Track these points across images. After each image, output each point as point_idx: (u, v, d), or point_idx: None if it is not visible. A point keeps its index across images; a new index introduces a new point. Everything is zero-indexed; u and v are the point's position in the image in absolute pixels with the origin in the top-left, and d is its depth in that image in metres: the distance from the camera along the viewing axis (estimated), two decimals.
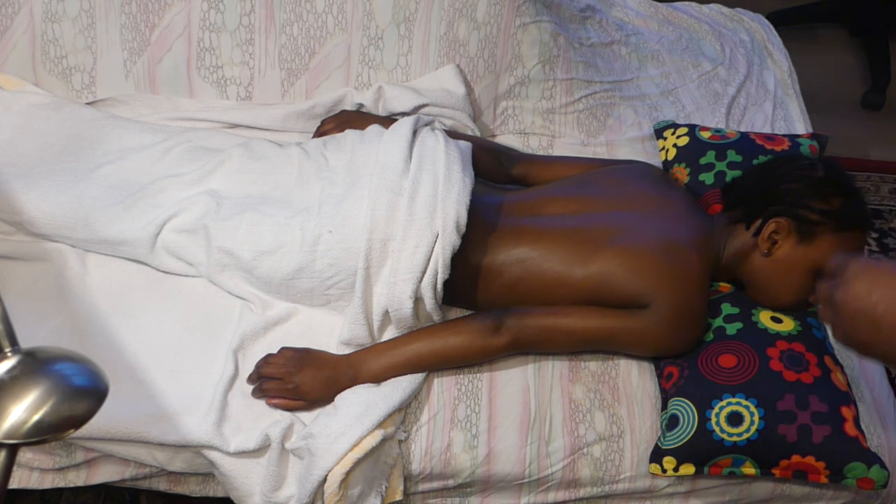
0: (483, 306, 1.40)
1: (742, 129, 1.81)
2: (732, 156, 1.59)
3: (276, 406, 1.30)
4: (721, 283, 1.47)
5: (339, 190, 1.38)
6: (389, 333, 1.38)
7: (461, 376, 1.38)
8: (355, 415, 1.25)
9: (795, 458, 1.28)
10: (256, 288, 1.38)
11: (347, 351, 1.36)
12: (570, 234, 1.39)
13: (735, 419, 1.28)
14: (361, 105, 1.67)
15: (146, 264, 1.43)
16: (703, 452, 1.29)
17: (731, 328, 1.37)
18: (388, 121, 1.57)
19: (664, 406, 1.37)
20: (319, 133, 1.61)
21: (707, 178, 1.58)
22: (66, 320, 1.35)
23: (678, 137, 1.66)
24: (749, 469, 1.30)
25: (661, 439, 1.33)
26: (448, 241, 1.30)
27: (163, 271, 1.43)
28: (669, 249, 1.35)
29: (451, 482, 1.35)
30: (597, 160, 1.65)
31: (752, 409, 1.28)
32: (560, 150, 1.75)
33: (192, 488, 1.39)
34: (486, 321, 1.34)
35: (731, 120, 1.85)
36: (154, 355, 1.33)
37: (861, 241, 1.38)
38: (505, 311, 1.35)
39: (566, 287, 1.36)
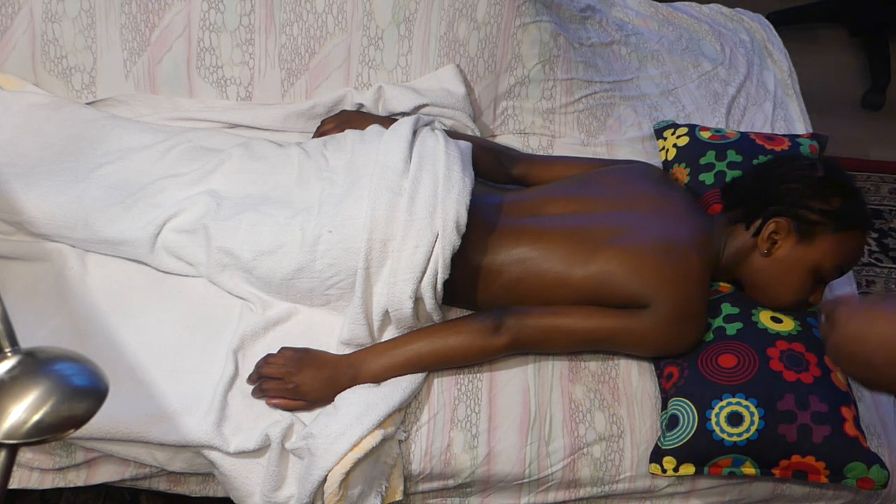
0: (483, 306, 1.40)
1: (742, 129, 1.81)
2: (732, 156, 1.59)
3: (276, 406, 1.30)
4: (721, 283, 1.47)
5: (339, 190, 1.38)
6: (389, 333, 1.38)
7: (461, 376, 1.38)
8: (355, 415, 1.25)
9: (795, 458, 1.28)
10: (256, 288, 1.38)
11: (347, 351, 1.36)
12: (570, 234, 1.39)
13: (735, 419, 1.28)
14: (361, 105, 1.67)
15: (146, 264, 1.43)
16: (703, 452, 1.29)
17: (731, 328, 1.37)
18: (388, 121, 1.57)
19: (664, 406, 1.37)
20: (319, 133, 1.61)
21: (707, 178, 1.58)
22: (66, 320, 1.35)
23: (678, 137, 1.66)
24: (749, 469, 1.30)
25: (661, 439, 1.33)
26: (448, 241, 1.30)
27: (163, 271, 1.43)
28: (669, 249, 1.35)
29: (451, 482, 1.35)
30: (597, 160, 1.65)
31: (752, 409, 1.28)
32: (560, 150, 1.75)
33: (192, 488, 1.39)
34: (486, 321, 1.34)
35: (731, 120, 1.85)
36: (154, 355, 1.33)
37: (861, 241, 1.38)
38: (505, 311, 1.35)
39: (566, 287, 1.36)
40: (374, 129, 1.49)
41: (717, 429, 1.28)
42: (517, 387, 1.38)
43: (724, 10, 2.12)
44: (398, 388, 1.31)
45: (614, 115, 1.81)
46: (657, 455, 1.32)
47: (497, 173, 1.57)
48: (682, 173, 1.62)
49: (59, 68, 1.63)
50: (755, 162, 1.56)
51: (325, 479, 1.22)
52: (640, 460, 1.36)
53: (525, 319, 1.34)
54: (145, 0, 1.61)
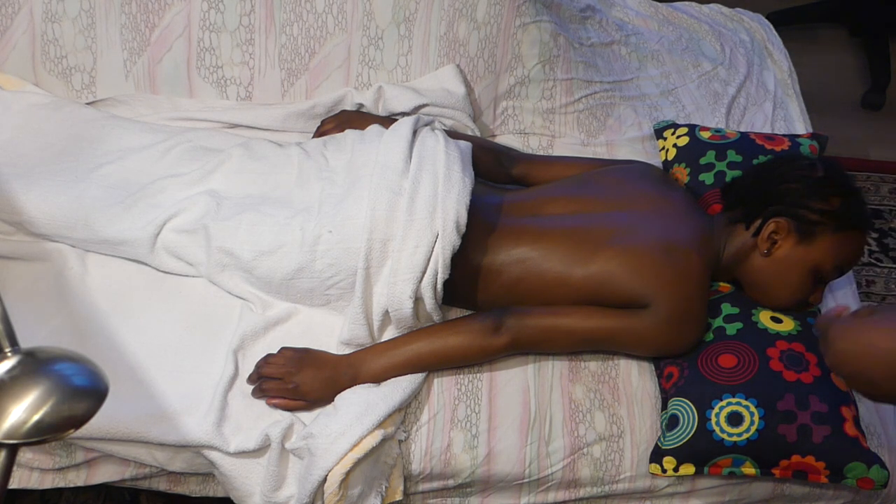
0: (483, 306, 1.40)
1: (742, 129, 1.81)
2: (732, 156, 1.59)
3: (276, 406, 1.30)
4: (721, 283, 1.47)
5: (339, 190, 1.38)
6: (389, 333, 1.38)
7: (461, 376, 1.38)
8: (355, 415, 1.25)
9: (795, 458, 1.28)
10: (256, 288, 1.38)
11: (347, 351, 1.36)
12: (570, 234, 1.39)
13: (735, 419, 1.28)
14: (361, 105, 1.67)
15: (146, 264, 1.43)
16: (703, 452, 1.29)
17: (731, 328, 1.37)
18: (388, 121, 1.57)
19: (664, 406, 1.37)
20: (319, 133, 1.61)
21: (707, 178, 1.58)
22: (66, 320, 1.35)
23: (678, 137, 1.66)
24: (749, 469, 1.30)
25: (661, 439, 1.33)
26: (448, 241, 1.30)
27: (163, 271, 1.43)
28: (669, 249, 1.35)
29: (451, 482, 1.35)
30: (597, 160, 1.65)
31: (752, 409, 1.28)
32: (560, 150, 1.75)
33: (192, 488, 1.39)
34: (486, 321, 1.34)
35: (731, 120, 1.85)
36: (154, 355, 1.33)
37: (861, 241, 1.39)
38: (505, 311, 1.35)
39: (566, 287, 1.36)
40: (374, 129, 1.49)
41: (717, 429, 1.28)
42: (517, 387, 1.38)
43: (724, 10, 2.12)
44: (398, 388, 1.31)
45: (614, 115, 1.81)
46: (657, 455, 1.32)
47: (497, 173, 1.57)
48: (682, 173, 1.62)
49: (59, 68, 1.63)
50: (755, 162, 1.56)
51: (325, 479, 1.22)
52: (640, 460, 1.36)
53: (525, 319, 1.34)
54: (145, 0, 1.61)
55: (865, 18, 2.88)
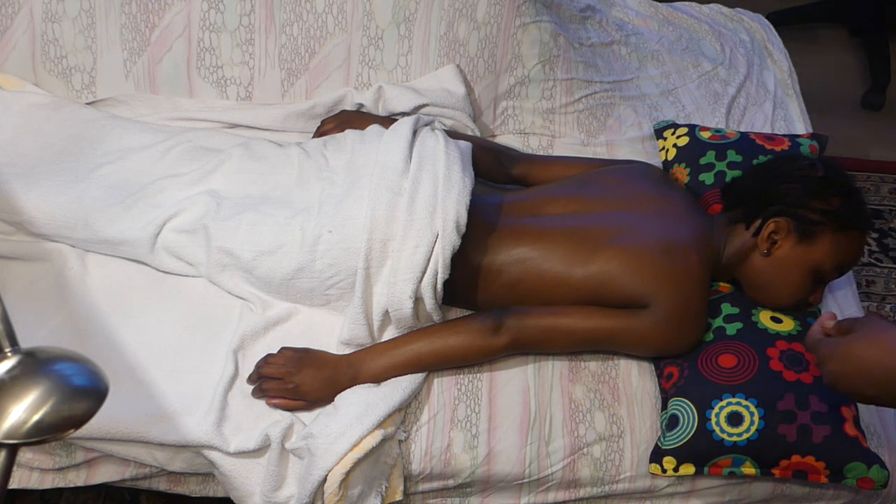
0: (483, 306, 1.40)
1: (742, 129, 1.81)
2: (732, 156, 1.59)
3: (276, 406, 1.30)
4: (721, 283, 1.47)
5: (339, 190, 1.38)
6: (389, 333, 1.38)
7: (461, 376, 1.38)
8: (355, 415, 1.25)
9: (795, 458, 1.28)
10: (256, 288, 1.38)
11: (347, 351, 1.36)
12: (570, 234, 1.39)
13: (735, 419, 1.28)
14: (361, 105, 1.67)
15: (146, 264, 1.43)
16: (703, 452, 1.29)
17: (731, 328, 1.37)
18: (388, 121, 1.57)
19: (664, 406, 1.37)
20: (319, 133, 1.61)
21: (707, 178, 1.58)
22: (66, 320, 1.35)
23: (678, 137, 1.66)
24: (749, 469, 1.30)
25: (661, 439, 1.33)
26: (448, 241, 1.30)
27: (163, 271, 1.43)
28: (669, 249, 1.35)
29: (451, 482, 1.35)
30: (597, 160, 1.65)
31: (752, 409, 1.28)
32: (560, 150, 1.75)
33: (192, 488, 1.39)
34: (486, 321, 1.34)
35: (731, 120, 1.85)
36: (154, 355, 1.33)
37: (861, 241, 1.39)
38: (505, 311, 1.35)
39: (566, 287, 1.36)
40: (374, 129, 1.49)
41: (717, 429, 1.28)
42: (517, 387, 1.38)
43: (724, 10, 2.12)
44: (398, 388, 1.31)
45: (614, 115, 1.81)
46: (657, 455, 1.32)
47: (497, 173, 1.57)
48: (682, 173, 1.62)
49: (59, 68, 1.64)
50: (755, 162, 1.56)
51: (325, 479, 1.22)
52: (640, 460, 1.36)
53: (525, 319, 1.34)
54: (145, 0, 1.61)
55: (865, 18, 2.88)
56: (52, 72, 1.64)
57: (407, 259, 1.30)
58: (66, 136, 1.51)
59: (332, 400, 1.31)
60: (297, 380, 1.29)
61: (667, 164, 1.67)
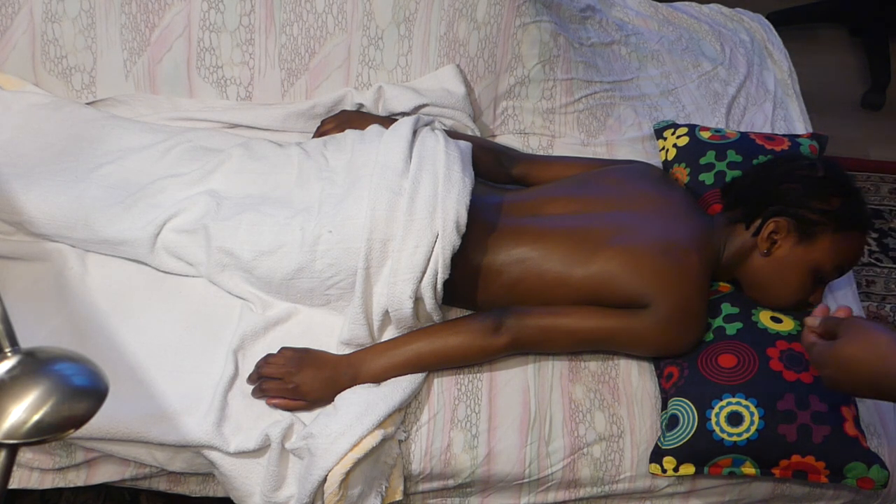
0: (483, 306, 1.40)
1: (742, 129, 1.81)
2: (732, 156, 1.59)
3: (276, 406, 1.30)
4: (721, 283, 1.47)
5: (339, 190, 1.38)
6: (389, 333, 1.38)
7: (461, 376, 1.38)
8: (355, 415, 1.25)
9: (795, 457, 1.28)
10: (256, 288, 1.38)
11: (347, 351, 1.36)
12: (570, 234, 1.39)
13: (735, 419, 1.28)
14: (361, 105, 1.67)
15: (146, 264, 1.43)
16: (703, 452, 1.29)
17: (731, 328, 1.37)
18: (388, 121, 1.57)
19: (664, 406, 1.37)
20: (319, 133, 1.61)
21: (707, 178, 1.58)
22: (66, 320, 1.35)
23: (678, 137, 1.66)
24: (749, 469, 1.30)
25: (661, 439, 1.33)
26: (448, 241, 1.30)
27: (163, 271, 1.43)
28: (669, 249, 1.35)
29: (451, 482, 1.35)
30: (597, 160, 1.65)
31: (752, 408, 1.28)
32: (560, 150, 1.75)
33: (192, 488, 1.39)
34: (486, 321, 1.34)
35: (731, 120, 1.85)
36: (154, 355, 1.33)
37: (861, 241, 1.38)
38: (505, 311, 1.35)
39: (566, 287, 1.36)
40: (374, 129, 1.49)
41: (717, 429, 1.28)
42: (517, 387, 1.38)
43: (724, 10, 2.12)
44: (398, 388, 1.31)
45: (614, 115, 1.81)
46: (657, 455, 1.32)
47: (497, 173, 1.57)
48: (682, 173, 1.62)
49: (59, 68, 1.64)
50: (755, 162, 1.56)
51: (325, 479, 1.22)
52: (640, 460, 1.36)
53: (525, 319, 1.34)
54: (145, 0, 1.61)
55: (865, 18, 2.88)
56: (52, 72, 1.64)
57: (407, 259, 1.30)
58: (66, 136, 1.51)
59: (332, 400, 1.31)
60: (297, 380, 1.29)
61: (667, 164, 1.66)
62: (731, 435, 1.28)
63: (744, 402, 1.28)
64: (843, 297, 1.56)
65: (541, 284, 1.37)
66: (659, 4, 2.06)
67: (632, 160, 1.64)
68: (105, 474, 1.36)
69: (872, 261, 2.29)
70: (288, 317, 1.39)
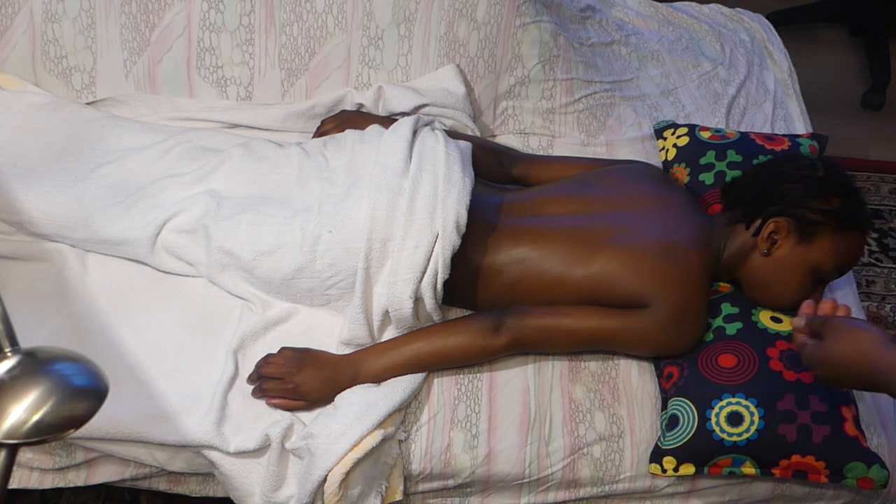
0: (483, 306, 1.40)
1: (742, 129, 1.81)
2: (732, 156, 1.59)
3: (276, 406, 1.30)
4: (721, 283, 1.47)
5: (339, 190, 1.38)
6: (389, 333, 1.38)
7: (461, 376, 1.38)
8: (355, 415, 1.25)
9: (795, 457, 1.28)
10: (256, 288, 1.38)
11: (347, 351, 1.36)
12: (570, 234, 1.39)
13: (735, 419, 1.28)
14: (361, 105, 1.67)
15: (146, 264, 1.43)
16: (703, 452, 1.29)
17: (731, 328, 1.37)
18: (388, 121, 1.57)
19: (664, 406, 1.37)
20: (319, 133, 1.61)
21: (707, 178, 1.58)
22: (66, 320, 1.35)
23: (678, 137, 1.66)
24: (749, 469, 1.30)
25: (661, 439, 1.33)
26: (448, 241, 1.30)
27: (163, 271, 1.43)
28: (669, 249, 1.35)
29: (451, 482, 1.35)
30: (597, 160, 1.65)
31: (752, 408, 1.28)
32: (560, 150, 1.75)
33: (192, 488, 1.39)
34: (486, 321, 1.34)
35: (731, 120, 1.85)
36: (154, 355, 1.33)
37: (861, 241, 1.38)
38: (505, 311, 1.35)
39: (566, 287, 1.36)
40: (374, 129, 1.49)
41: (717, 429, 1.28)
42: (517, 387, 1.38)
43: (724, 10, 2.12)
44: (398, 388, 1.31)
45: (614, 115, 1.81)
46: (657, 455, 1.32)
47: (497, 173, 1.57)
48: (682, 173, 1.62)
49: (59, 68, 1.64)
50: (755, 162, 1.56)
51: (325, 479, 1.22)
52: (640, 460, 1.36)
53: (525, 319, 1.34)
54: (145, 0, 1.61)
55: (865, 18, 2.88)
56: (52, 72, 1.64)
57: (407, 259, 1.30)
58: (66, 136, 1.51)
59: (332, 400, 1.31)
60: (297, 380, 1.29)
61: (667, 164, 1.66)
62: (731, 435, 1.28)
63: (744, 402, 1.28)
64: (843, 297, 1.56)
65: (541, 284, 1.37)
66: (659, 4, 2.06)
67: (632, 160, 1.64)
68: (105, 474, 1.36)
69: (872, 261, 2.29)
70: (288, 317, 1.39)
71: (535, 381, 1.39)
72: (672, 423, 1.32)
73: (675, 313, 1.33)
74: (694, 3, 2.13)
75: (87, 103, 1.64)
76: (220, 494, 1.38)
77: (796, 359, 1.32)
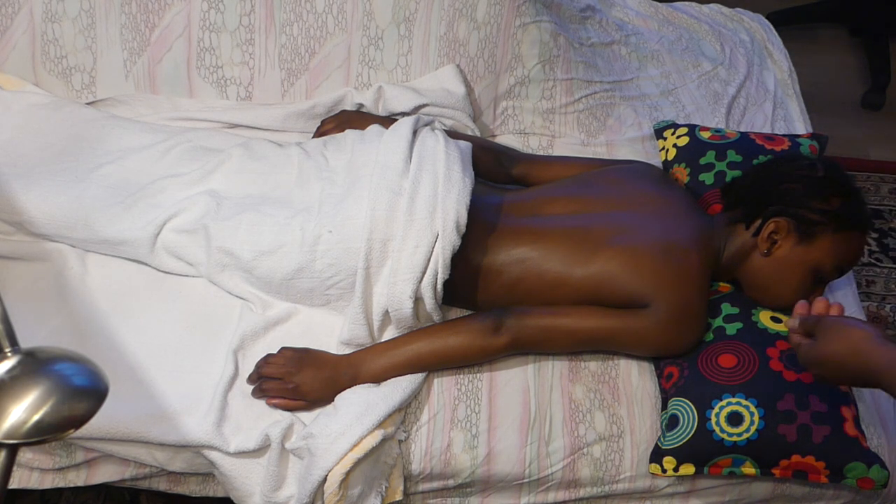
0: (483, 306, 1.40)
1: (742, 129, 1.81)
2: (732, 156, 1.59)
3: (276, 406, 1.30)
4: (721, 283, 1.47)
5: (339, 190, 1.38)
6: (389, 333, 1.38)
7: (461, 376, 1.38)
8: (355, 415, 1.25)
9: (795, 457, 1.28)
10: (256, 288, 1.38)
11: (347, 351, 1.36)
12: (570, 234, 1.39)
13: (735, 419, 1.28)
14: (361, 105, 1.67)
15: (146, 264, 1.43)
16: (703, 452, 1.29)
17: (731, 328, 1.37)
18: (388, 121, 1.57)
19: (664, 406, 1.37)
20: (319, 133, 1.61)
21: (707, 178, 1.58)
22: (66, 320, 1.35)
23: (678, 137, 1.66)
24: (749, 469, 1.30)
25: (661, 439, 1.33)
26: (448, 242, 1.30)
27: (163, 271, 1.43)
28: (669, 249, 1.35)
29: (451, 482, 1.35)
30: (597, 160, 1.65)
31: (752, 408, 1.28)
32: (560, 150, 1.75)
33: (192, 488, 1.39)
34: (486, 321, 1.34)
35: (731, 120, 1.85)
36: (154, 355, 1.33)
37: (861, 241, 1.38)
38: (505, 311, 1.35)
39: (566, 287, 1.36)
40: (374, 129, 1.49)
41: (717, 429, 1.28)
42: (517, 387, 1.38)
43: (724, 10, 2.12)
44: (398, 388, 1.31)
45: (614, 115, 1.81)
46: (657, 455, 1.32)
47: (497, 173, 1.57)
48: (682, 173, 1.62)
49: (59, 68, 1.64)
50: (755, 162, 1.56)
51: (325, 479, 1.22)
52: (640, 460, 1.36)
53: (525, 319, 1.34)
54: (145, 0, 1.61)
55: (865, 18, 2.88)
56: (52, 72, 1.64)
57: (407, 259, 1.30)
58: (66, 136, 1.51)
59: (332, 400, 1.31)
60: (297, 380, 1.29)
61: (667, 164, 1.66)
62: (731, 435, 1.28)
63: (744, 402, 1.28)
64: (843, 297, 1.56)
65: (541, 284, 1.37)
66: (659, 4, 2.06)
67: (632, 160, 1.64)
68: (105, 474, 1.36)
69: (872, 261, 2.29)
70: (288, 317, 1.39)
71: (535, 381, 1.39)
72: (672, 423, 1.32)
73: (675, 313, 1.33)
74: (694, 3, 2.13)
75: (87, 103, 1.64)
76: (220, 494, 1.38)
77: (796, 359, 1.32)
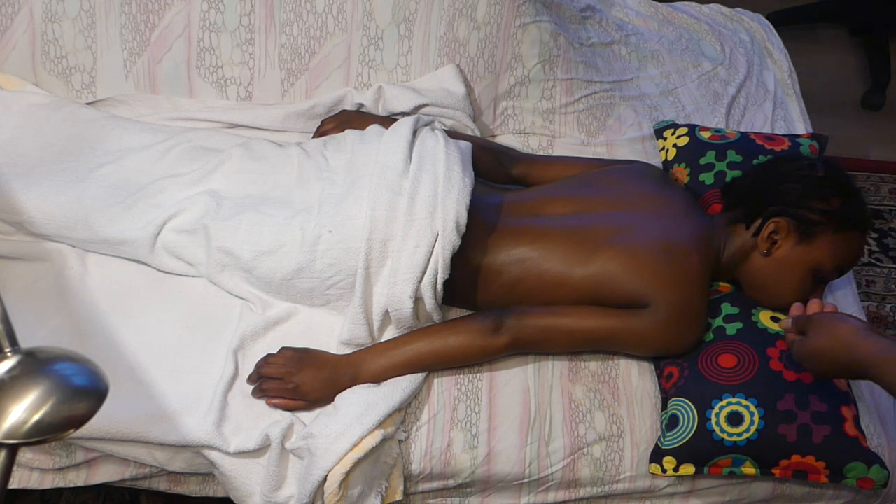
0: (483, 306, 1.40)
1: (742, 129, 1.81)
2: (732, 156, 1.59)
3: (276, 406, 1.30)
4: (721, 283, 1.47)
5: (339, 190, 1.38)
6: (389, 333, 1.38)
7: (461, 376, 1.38)
8: (355, 415, 1.25)
9: (795, 457, 1.28)
10: (256, 288, 1.38)
11: (347, 351, 1.36)
12: (570, 234, 1.39)
13: (735, 419, 1.28)
14: (361, 105, 1.67)
15: (146, 264, 1.43)
16: (703, 452, 1.29)
17: (731, 328, 1.37)
18: (388, 121, 1.57)
19: (664, 406, 1.37)
20: (319, 133, 1.61)
21: (707, 178, 1.58)
22: (66, 320, 1.35)
23: (678, 137, 1.66)
24: (749, 469, 1.30)
25: (661, 439, 1.33)
26: (448, 241, 1.30)
27: (163, 271, 1.43)
28: (669, 249, 1.35)
29: (451, 482, 1.35)
30: (597, 160, 1.65)
31: (752, 408, 1.28)
32: (560, 150, 1.75)
33: (192, 488, 1.39)
34: (486, 321, 1.34)
35: (731, 120, 1.85)
36: (154, 355, 1.33)
37: (861, 241, 1.38)
38: (505, 311, 1.35)
39: (566, 287, 1.36)
40: (374, 129, 1.49)
41: (717, 429, 1.28)
42: (517, 387, 1.38)
43: (724, 10, 2.12)
44: (398, 388, 1.31)
45: (614, 115, 1.81)
46: (657, 455, 1.32)
47: (497, 173, 1.57)
48: (682, 173, 1.62)
49: (59, 68, 1.64)
50: (755, 162, 1.56)
51: (325, 479, 1.22)
52: (640, 460, 1.36)
53: (525, 319, 1.34)
54: (145, 0, 1.61)
55: (865, 18, 2.88)
56: (52, 72, 1.64)
57: (407, 259, 1.30)
58: (66, 136, 1.51)
59: (332, 400, 1.31)
60: (297, 380, 1.29)
61: (667, 164, 1.66)
62: (731, 435, 1.28)
63: (744, 402, 1.28)
64: (843, 297, 1.56)
65: (541, 284, 1.37)
66: (659, 4, 2.06)
67: (632, 160, 1.64)
68: (105, 474, 1.36)
69: (872, 261, 2.29)
70: (288, 317, 1.39)
71: (535, 381, 1.39)
72: (672, 423, 1.32)
73: (675, 313, 1.33)
74: (694, 3, 2.13)
75: (87, 103, 1.64)
76: (220, 494, 1.38)
77: None
